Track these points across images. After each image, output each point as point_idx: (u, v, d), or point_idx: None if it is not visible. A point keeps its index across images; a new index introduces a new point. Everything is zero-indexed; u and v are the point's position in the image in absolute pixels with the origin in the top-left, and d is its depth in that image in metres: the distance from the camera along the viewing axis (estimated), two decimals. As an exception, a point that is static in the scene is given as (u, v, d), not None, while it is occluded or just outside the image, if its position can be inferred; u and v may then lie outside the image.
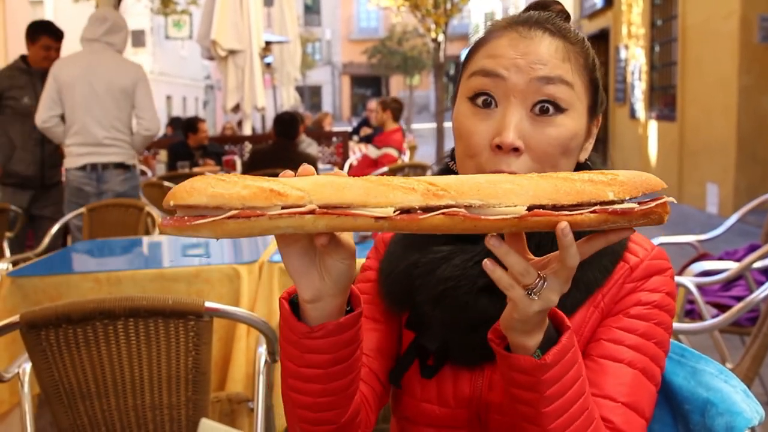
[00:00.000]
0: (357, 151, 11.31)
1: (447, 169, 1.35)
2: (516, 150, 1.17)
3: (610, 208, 0.95)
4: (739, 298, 3.46)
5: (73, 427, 2.12)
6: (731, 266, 3.54)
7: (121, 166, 5.36)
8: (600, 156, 1.36)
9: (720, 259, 4.19)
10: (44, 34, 5.81)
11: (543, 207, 0.94)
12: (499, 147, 1.17)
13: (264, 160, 6.68)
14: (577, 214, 0.95)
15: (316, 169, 6.87)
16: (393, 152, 7.56)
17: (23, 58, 5.89)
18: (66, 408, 2.10)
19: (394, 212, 0.93)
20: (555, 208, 0.95)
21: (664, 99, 13.50)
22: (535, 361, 1.05)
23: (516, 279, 1.00)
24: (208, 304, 2.05)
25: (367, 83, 50.88)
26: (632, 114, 14.90)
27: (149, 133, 5.38)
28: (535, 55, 1.18)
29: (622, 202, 0.96)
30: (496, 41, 1.22)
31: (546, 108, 1.18)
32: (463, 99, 1.24)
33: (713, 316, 3.16)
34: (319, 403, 1.14)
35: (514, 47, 1.19)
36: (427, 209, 0.93)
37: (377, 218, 0.92)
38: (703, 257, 4.33)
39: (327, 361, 1.10)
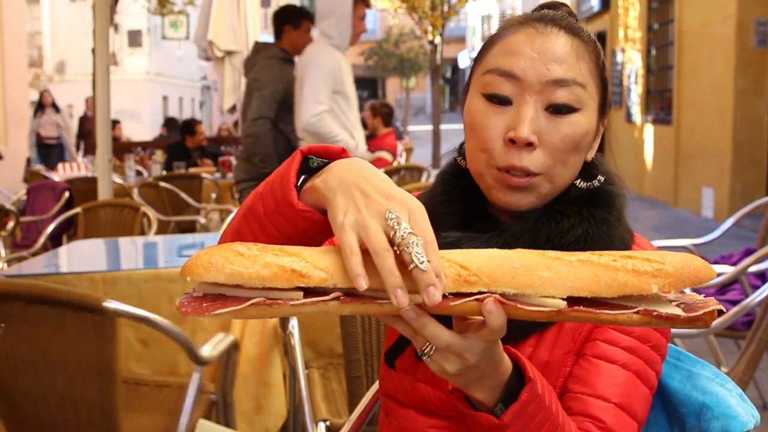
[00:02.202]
0: (353, 153, 11.28)
1: (454, 165, 1.36)
2: (530, 145, 1.18)
3: (655, 311, 0.89)
4: (734, 302, 3.46)
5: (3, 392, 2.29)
6: (727, 270, 3.54)
7: None
8: (602, 156, 1.36)
9: (715, 263, 4.19)
10: (305, 19, 5.14)
11: (581, 300, 0.90)
12: (512, 141, 1.18)
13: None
14: (619, 314, 0.90)
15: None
16: (386, 155, 7.54)
17: (276, 45, 5.12)
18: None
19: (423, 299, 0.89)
20: (595, 301, 0.91)
21: (660, 102, 13.51)
22: (494, 421, 1.05)
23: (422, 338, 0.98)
24: (108, 303, 2.13)
25: (364, 85, 50.82)
26: (628, 117, 14.91)
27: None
28: (551, 53, 1.19)
29: (665, 300, 0.92)
30: (511, 37, 1.22)
31: (561, 107, 1.19)
32: (477, 94, 1.24)
33: (708, 320, 3.15)
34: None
35: (531, 44, 1.19)
36: (458, 295, 0.90)
37: None
38: (698, 261, 4.31)
39: (291, 232, 1.07)
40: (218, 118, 24.15)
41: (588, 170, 1.29)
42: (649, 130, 13.80)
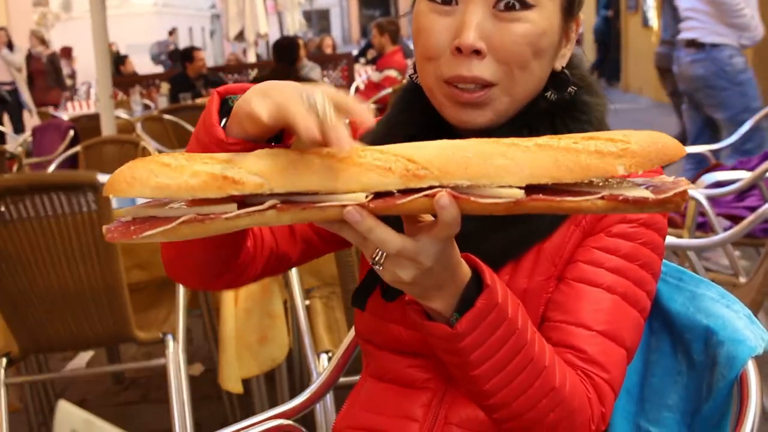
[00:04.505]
0: (363, 73, 11.10)
1: (412, 84, 1.22)
2: (478, 53, 1.05)
3: (621, 196, 0.81)
4: (753, 209, 3.33)
5: (6, 295, 2.36)
6: (744, 176, 3.40)
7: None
8: (580, 61, 1.22)
9: (733, 168, 4.05)
10: None
11: (543, 188, 0.82)
12: (459, 50, 1.05)
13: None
14: (582, 200, 0.82)
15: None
16: (394, 74, 7.38)
17: None
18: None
19: (367, 198, 0.81)
20: (556, 187, 0.82)
21: (677, 5, 13.14)
22: (448, 330, 0.96)
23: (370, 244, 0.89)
24: (103, 177, 2.18)
25: (376, 4, 50.00)
26: (645, 22, 14.54)
27: None
28: None
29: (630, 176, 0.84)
30: None
31: (511, 4, 1.05)
32: None
33: (726, 229, 3.04)
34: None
35: None
36: (406, 191, 0.82)
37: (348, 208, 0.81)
38: (715, 167, 4.18)
39: None
40: (229, 47, 23.86)
41: (559, 80, 1.16)
42: (666, 34, 13.46)
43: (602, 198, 0.82)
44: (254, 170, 0.80)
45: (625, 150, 0.82)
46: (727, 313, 1.19)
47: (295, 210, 0.81)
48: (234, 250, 1.14)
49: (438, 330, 0.97)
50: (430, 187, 0.82)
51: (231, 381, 2.65)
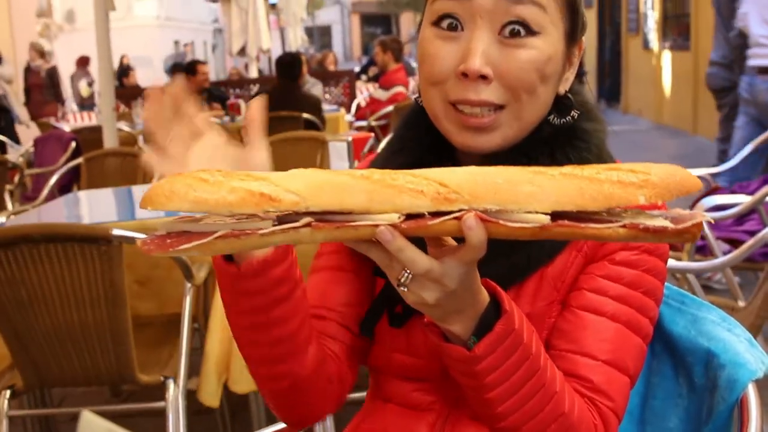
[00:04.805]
0: (364, 90, 11.14)
1: (416, 108, 1.24)
2: (484, 78, 1.07)
3: (642, 224, 0.84)
4: (752, 233, 3.34)
5: (15, 333, 2.42)
6: (744, 200, 3.42)
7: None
8: (582, 86, 1.24)
9: (733, 192, 4.07)
10: None
11: (567, 215, 0.84)
12: (465, 75, 1.07)
13: (266, 103, 6.55)
14: (605, 227, 0.84)
15: (320, 110, 6.79)
16: (402, 89, 7.41)
17: None
18: (5, 318, 2.40)
19: (399, 219, 0.83)
20: (580, 215, 0.85)
21: (677, 28, 13.18)
22: (466, 353, 0.98)
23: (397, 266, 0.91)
24: (116, 231, 2.28)
25: (377, 22, 50.23)
26: (645, 44, 14.60)
27: None
28: None
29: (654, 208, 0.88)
30: None
31: (516, 30, 1.07)
32: (427, 25, 1.12)
33: (725, 253, 3.06)
34: (271, 355, 1.10)
35: None
36: (437, 214, 0.84)
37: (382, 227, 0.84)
38: (715, 191, 4.20)
39: (265, 303, 1.04)
40: (231, 61, 23.92)
41: (562, 105, 1.17)
42: (666, 57, 13.51)
43: (624, 226, 0.84)
44: (291, 188, 0.81)
45: (646, 181, 0.84)
46: (728, 337, 1.20)
47: (329, 228, 0.82)
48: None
49: (456, 352, 0.99)
50: (460, 211, 0.84)
51: (208, 395, 2.65)
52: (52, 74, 13.42)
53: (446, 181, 0.84)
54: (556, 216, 0.84)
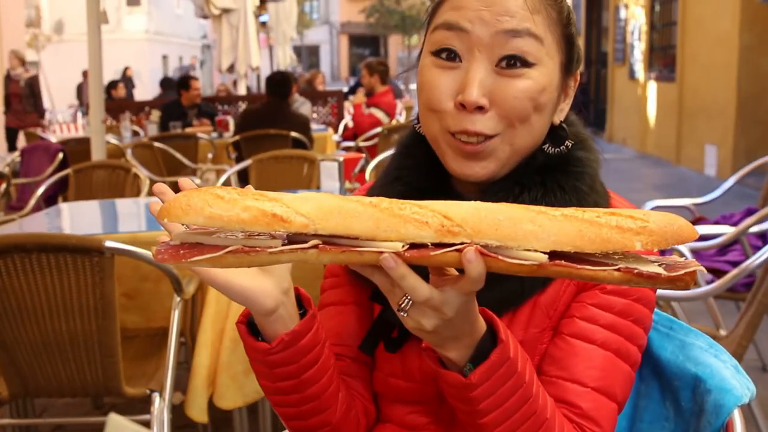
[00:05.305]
0: (353, 110, 11.16)
1: (413, 133, 1.29)
2: (481, 108, 1.11)
3: (636, 269, 0.87)
4: (734, 263, 3.39)
5: (2, 342, 2.42)
6: (727, 231, 3.46)
7: None
8: (578, 116, 1.27)
9: (716, 223, 4.12)
10: None
11: (565, 255, 0.87)
12: (463, 105, 1.11)
13: (255, 121, 6.58)
14: (600, 270, 0.87)
15: (309, 129, 6.81)
16: (381, 115, 7.43)
17: None
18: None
19: (403, 247, 0.86)
20: (577, 256, 0.88)
21: (663, 59, 13.35)
22: (462, 380, 1.01)
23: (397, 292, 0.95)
24: (109, 243, 2.29)
25: (366, 43, 50.45)
26: (631, 75, 14.76)
27: None
28: (501, 6, 1.10)
29: (649, 255, 0.91)
30: None
31: (513, 62, 1.11)
32: (427, 54, 1.17)
33: (708, 282, 3.10)
34: (304, 411, 1.14)
35: None
36: (439, 245, 0.87)
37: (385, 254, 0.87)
38: (698, 221, 4.26)
39: (297, 370, 1.09)
40: (219, 77, 23.94)
41: (556, 135, 1.21)
42: (652, 88, 13.66)
43: (618, 270, 0.87)
44: (301, 211, 0.84)
45: (644, 228, 0.87)
46: (715, 363, 1.23)
47: (335, 251, 0.85)
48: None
49: (452, 378, 1.02)
50: (461, 243, 0.87)
51: (196, 409, 2.66)
52: (33, 84, 13.11)
53: (451, 215, 0.87)
54: (553, 255, 0.87)
